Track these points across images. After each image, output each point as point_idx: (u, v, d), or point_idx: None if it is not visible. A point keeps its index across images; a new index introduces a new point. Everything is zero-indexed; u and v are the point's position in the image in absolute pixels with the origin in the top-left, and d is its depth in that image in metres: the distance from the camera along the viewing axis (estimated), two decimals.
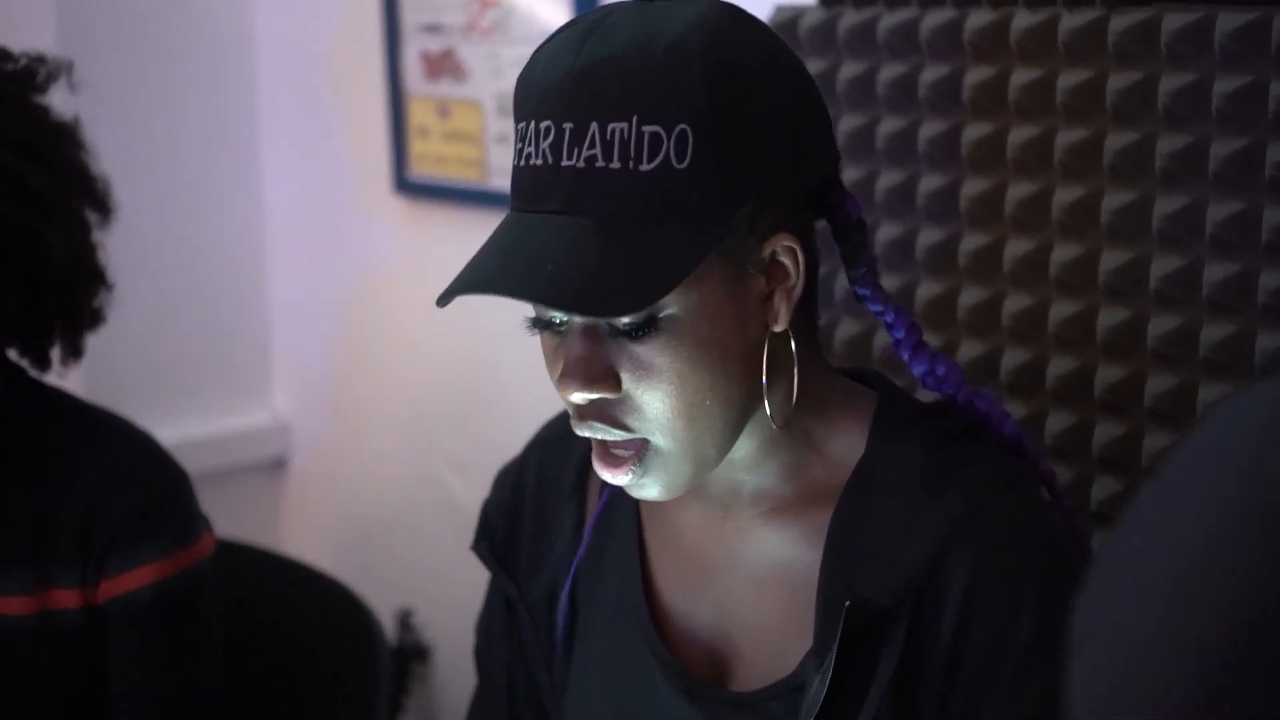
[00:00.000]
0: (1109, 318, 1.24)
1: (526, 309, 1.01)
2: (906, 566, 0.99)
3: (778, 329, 1.00)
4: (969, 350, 1.34)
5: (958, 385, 1.07)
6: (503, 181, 1.90)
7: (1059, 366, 1.28)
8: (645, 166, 0.93)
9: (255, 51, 2.28)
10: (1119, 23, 1.22)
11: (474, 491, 1.95)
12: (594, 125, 0.94)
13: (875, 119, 1.40)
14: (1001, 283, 1.32)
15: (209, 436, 2.24)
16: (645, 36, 0.95)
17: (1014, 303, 1.31)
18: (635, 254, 0.93)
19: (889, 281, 1.37)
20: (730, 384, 0.99)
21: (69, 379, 1.54)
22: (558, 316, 0.99)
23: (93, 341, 2.08)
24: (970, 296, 1.34)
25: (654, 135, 0.93)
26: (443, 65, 1.96)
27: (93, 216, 1.40)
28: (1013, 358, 1.31)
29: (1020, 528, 1.00)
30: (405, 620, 2.14)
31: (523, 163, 0.98)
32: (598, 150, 0.94)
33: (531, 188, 0.97)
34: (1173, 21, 1.18)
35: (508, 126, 1.88)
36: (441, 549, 2.07)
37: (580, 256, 0.93)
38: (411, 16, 2.00)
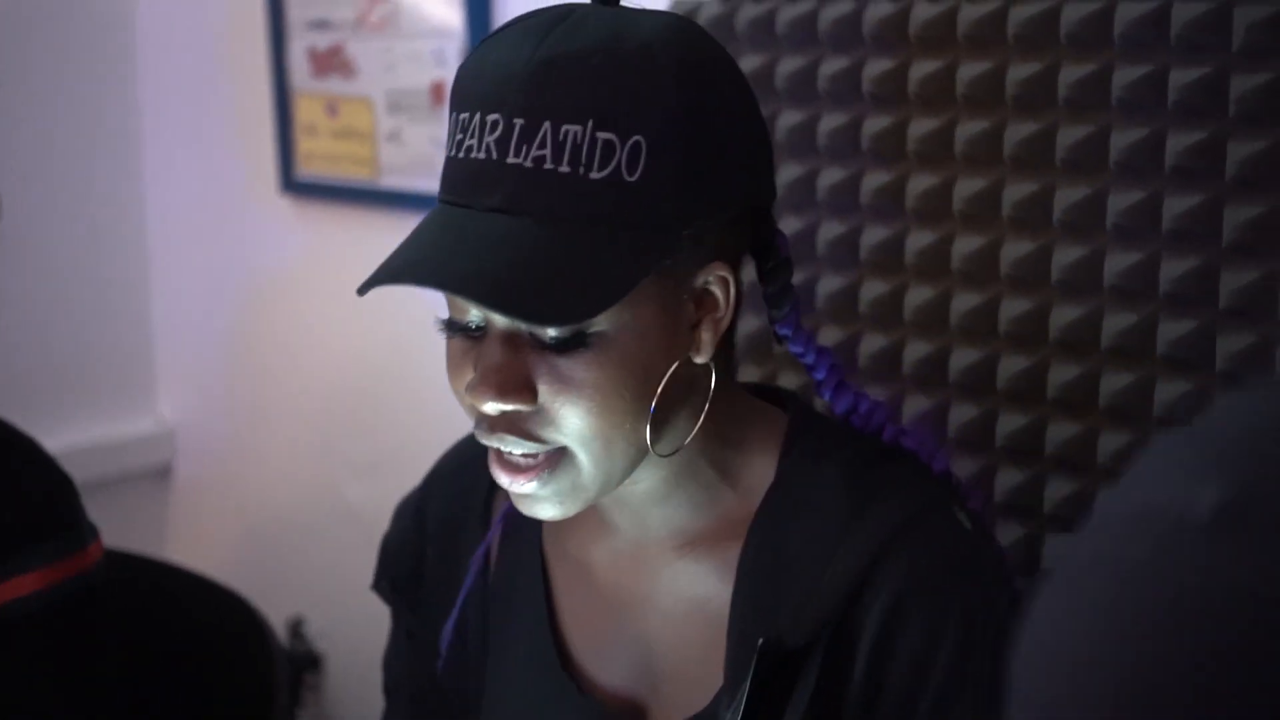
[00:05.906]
0: (1010, 309, 1.24)
1: (432, 308, 0.96)
2: (823, 601, 0.96)
3: (700, 360, 0.97)
4: (870, 344, 1.34)
5: (882, 423, 1.05)
6: (395, 180, 1.86)
7: (962, 358, 1.28)
8: (595, 175, 0.89)
9: (136, 43, 2.25)
10: (1018, 13, 1.22)
11: (371, 496, 1.91)
12: (547, 124, 0.89)
13: (774, 113, 1.39)
14: (904, 275, 1.31)
15: (90, 444, 2.19)
16: (616, 35, 0.91)
17: (916, 295, 1.30)
18: (579, 263, 0.89)
19: None
20: (648, 408, 0.95)
21: None
22: (474, 320, 0.94)
23: None
24: (871, 290, 1.33)
25: (607, 143, 0.89)
26: (330, 62, 1.92)
27: None
28: (915, 350, 1.31)
29: (941, 557, 0.97)
30: (296, 629, 2.10)
31: (460, 154, 0.92)
32: (547, 151, 0.89)
33: (470, 182, 0.91)
34: (1071, 12, 1.19)
35: (399, 124, 1.85)
36: (335, 556, 2.03)
37: (523, 259, 0.88)
38: (297, 12, 1.96)
